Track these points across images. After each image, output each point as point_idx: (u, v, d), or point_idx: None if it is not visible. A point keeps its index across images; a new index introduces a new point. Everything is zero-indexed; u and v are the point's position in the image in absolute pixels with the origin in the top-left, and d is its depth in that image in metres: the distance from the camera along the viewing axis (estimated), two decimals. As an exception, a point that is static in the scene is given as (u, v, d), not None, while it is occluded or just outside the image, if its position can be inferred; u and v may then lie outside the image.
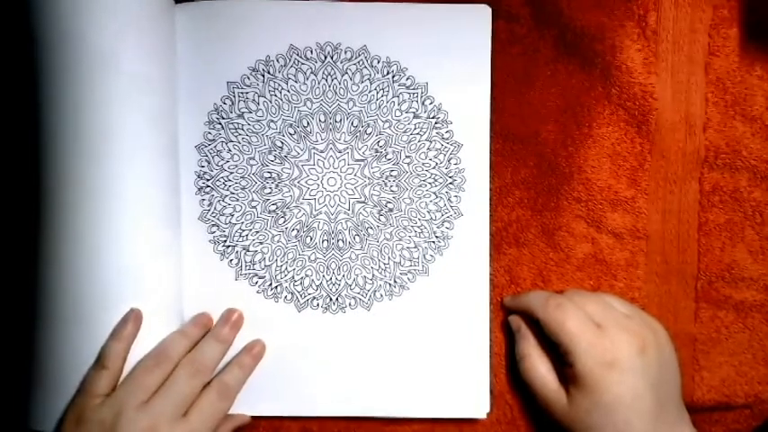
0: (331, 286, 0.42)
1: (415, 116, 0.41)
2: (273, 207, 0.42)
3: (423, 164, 0.42)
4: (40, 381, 0.38)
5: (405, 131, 0.41)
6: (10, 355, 0.39)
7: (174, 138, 0.41)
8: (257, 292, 0.41)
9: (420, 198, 0.42)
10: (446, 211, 0.41)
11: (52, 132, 0.37)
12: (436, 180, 0.41)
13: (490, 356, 0.41)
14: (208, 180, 0.42)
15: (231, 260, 0.42)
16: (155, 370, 0.37)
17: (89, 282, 0.37)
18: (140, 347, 0.38)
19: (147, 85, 0.38)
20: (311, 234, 0.42)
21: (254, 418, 0.41)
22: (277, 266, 0.42)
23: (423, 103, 0.41)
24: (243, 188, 0.42)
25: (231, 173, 0.42)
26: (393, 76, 0.41)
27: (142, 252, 0.38)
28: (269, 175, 0.42)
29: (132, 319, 0.37)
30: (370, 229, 0.42)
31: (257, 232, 0.42)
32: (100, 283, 0.37)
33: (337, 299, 0.42)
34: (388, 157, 0.41)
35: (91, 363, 0.37)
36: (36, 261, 0.38)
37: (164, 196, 0.40)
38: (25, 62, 0.37)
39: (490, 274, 0.42)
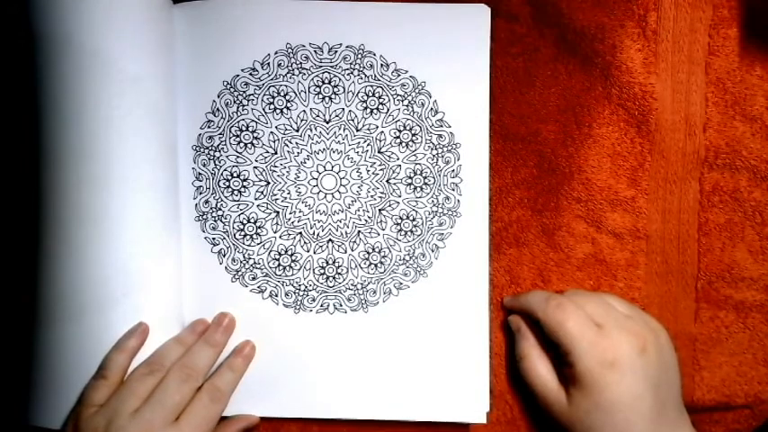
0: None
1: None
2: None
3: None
4: (41, 378, 0.38)
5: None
6: (11, 353, 0.39)
7: (173, 138, 0.40)
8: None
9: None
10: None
11: (51, 132, 0.37)
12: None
13: (490, 357, 0.41)
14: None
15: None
16: (148, 378, 0.37)
17: (89, 281, 0.37)
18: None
19: (145, 84, 0.38)
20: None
21: (252, 419, 0.41)
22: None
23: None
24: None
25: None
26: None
27: (142, 252, 0.38)
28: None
29: (138, 333, 0.38)
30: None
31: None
32: (100, 282, 0.37)
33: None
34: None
35: (90, 361, 0.37)
36: (36, 260, 0.38)
37: (163, 197, 0.39)
38: (24, 62, 0.37)
39: (490, 274, 0.41)
